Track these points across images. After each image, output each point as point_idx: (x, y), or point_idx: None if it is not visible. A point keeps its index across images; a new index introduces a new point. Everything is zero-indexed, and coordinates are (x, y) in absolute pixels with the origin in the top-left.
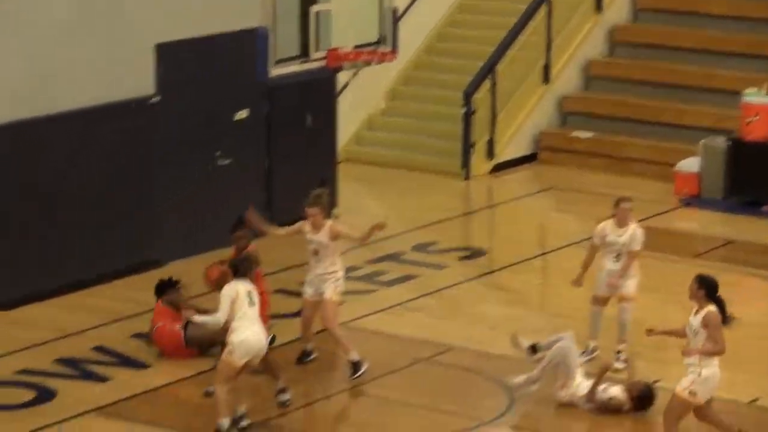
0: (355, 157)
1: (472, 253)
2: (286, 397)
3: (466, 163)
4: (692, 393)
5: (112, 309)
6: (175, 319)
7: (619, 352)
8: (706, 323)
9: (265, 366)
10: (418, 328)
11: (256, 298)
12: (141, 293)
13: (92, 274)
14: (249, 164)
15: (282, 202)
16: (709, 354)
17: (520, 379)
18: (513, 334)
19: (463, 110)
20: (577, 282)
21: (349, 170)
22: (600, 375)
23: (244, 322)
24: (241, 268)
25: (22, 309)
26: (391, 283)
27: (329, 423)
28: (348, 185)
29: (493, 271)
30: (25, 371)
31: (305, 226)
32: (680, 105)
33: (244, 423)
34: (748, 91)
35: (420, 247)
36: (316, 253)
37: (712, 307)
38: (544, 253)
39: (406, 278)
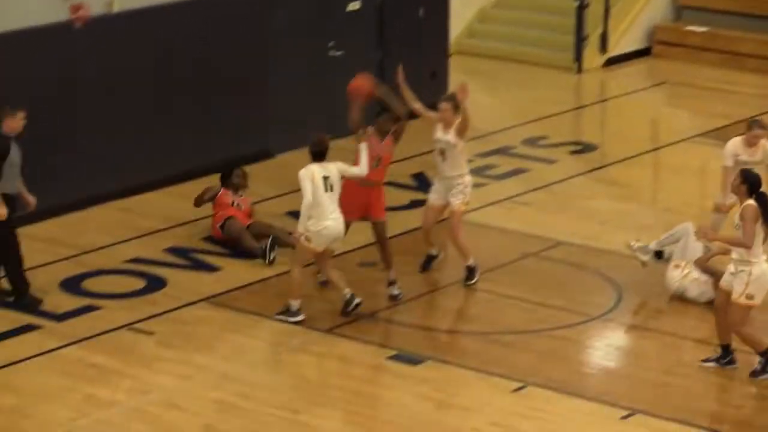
0: (467, 50)
1: (583, 148)
2: (396, 291)
3: (578, 57)
4: (749, 296)
5: None
6: (215, 210)
7: None
8: (742, 216)
9: (381, 256)
10: (527, 222)
11: (335, 184)
12: (251, 184)
13: (203, 165)
14: (361, 55)
15: (394, 94)
16: (735, 245)
17: (638, 244)
18: (627, 243)
19: (576, 3)
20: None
21: (460, 63)
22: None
23: (322, 210)
24: (316, 151)
25: (133, 198)
26: (500, 177)
27: (437, 316)
28: (459, 78)
29: (603, 166)
30: (135, 260)
31: (438, 123)
32: None
33: (357, 300)
34: None
35: (530, 141)
36: (442, 153)
37: (751, 201)
38: (655, 149)
39: (516, 172)
